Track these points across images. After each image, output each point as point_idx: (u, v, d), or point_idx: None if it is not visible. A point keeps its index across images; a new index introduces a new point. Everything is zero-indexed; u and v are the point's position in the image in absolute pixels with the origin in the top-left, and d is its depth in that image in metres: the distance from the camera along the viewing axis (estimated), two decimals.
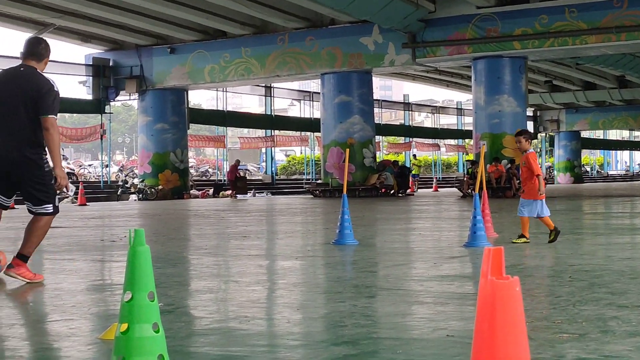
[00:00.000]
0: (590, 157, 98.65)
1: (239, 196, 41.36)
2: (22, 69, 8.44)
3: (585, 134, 79.78)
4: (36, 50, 8.48)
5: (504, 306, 2.55)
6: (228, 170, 44.31)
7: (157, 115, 42.32)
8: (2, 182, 8.45)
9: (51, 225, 8.59)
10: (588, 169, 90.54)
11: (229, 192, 43.14)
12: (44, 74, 8.39)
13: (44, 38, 8.87)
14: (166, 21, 38.58)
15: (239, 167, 43.74)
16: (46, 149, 8.35)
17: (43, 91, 8.16)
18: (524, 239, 12.28)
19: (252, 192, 44.17)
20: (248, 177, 52.61)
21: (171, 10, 36.39)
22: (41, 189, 8.29)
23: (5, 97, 8.33)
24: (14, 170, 8.27)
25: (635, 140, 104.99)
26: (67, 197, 34.02)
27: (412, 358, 4.76)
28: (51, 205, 8.37)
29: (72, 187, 8.03)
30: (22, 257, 8.32)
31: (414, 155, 60.93)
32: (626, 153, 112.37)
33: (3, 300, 7.19)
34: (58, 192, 8.33)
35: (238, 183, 42.39)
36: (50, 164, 8.43)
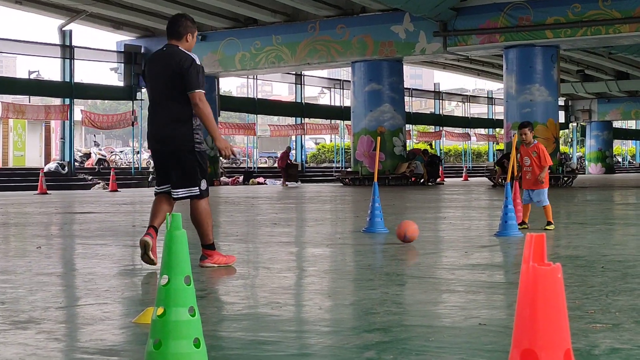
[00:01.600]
0: (622, 148, 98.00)
1: (289, 183, 41.21)
2: (164, 49, 8.50)
3: (617, 124, 79.23)
4: (174, 29, 8.44)
5: (546, 293, 2.55)
6: (279, 157, 44.13)
7: None
8: (161, 166, 8.54)
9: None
10: (620, 160, 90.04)
11: (260, 179, 43.09)
12: (185, 51, 8.33)
13: (185, 14, 8.77)
14: (197, 8, 38.61)
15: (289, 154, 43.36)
16: (198, 124, 8.47)
17: (185, 67, 8.13)
18: (552, 226, 12.69)
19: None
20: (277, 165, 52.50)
21: None
22: (190, 170, 8.32)
23: (153, 81, 8.47)
24: (165, 149, 8.38)
25: None
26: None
27: (444, 346, 4.76)
28: (197, 187, 8.34)
29: (238, 150, 7.95)
30: (207, 247, 8.32)
31: (430, 145, 60.81)
32: None
33: (39, 284, 7.24)
34: (228, 161, 8.23)
35: (289, 170, 42.20)
36: (203, 146, 8.54)
